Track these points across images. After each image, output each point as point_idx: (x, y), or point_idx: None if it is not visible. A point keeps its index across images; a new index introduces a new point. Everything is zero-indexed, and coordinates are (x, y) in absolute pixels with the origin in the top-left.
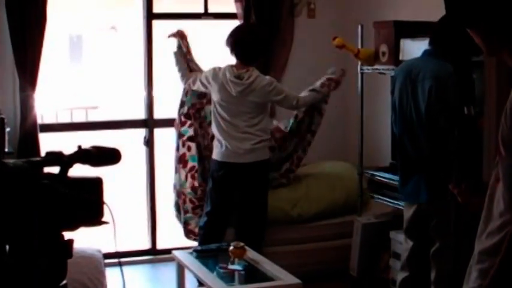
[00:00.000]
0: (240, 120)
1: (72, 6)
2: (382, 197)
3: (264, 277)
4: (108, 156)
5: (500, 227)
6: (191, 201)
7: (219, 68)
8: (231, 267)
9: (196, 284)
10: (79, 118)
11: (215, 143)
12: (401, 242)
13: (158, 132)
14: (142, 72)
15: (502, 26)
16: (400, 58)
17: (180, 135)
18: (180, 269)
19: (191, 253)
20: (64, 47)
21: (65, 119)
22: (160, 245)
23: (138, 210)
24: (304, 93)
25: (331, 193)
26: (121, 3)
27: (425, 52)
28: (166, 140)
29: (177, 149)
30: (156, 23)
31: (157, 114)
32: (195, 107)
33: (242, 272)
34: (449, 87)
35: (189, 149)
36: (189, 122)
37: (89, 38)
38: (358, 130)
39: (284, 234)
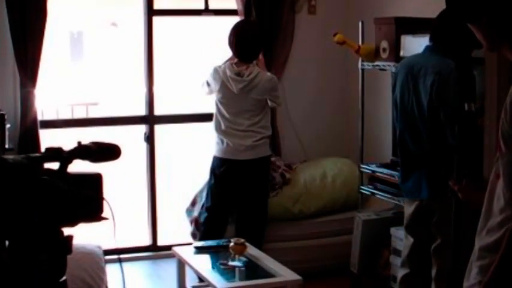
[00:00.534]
0: (242, 119)
1: (73, 2)
2: (382, 193)
3: (264, 273)
4: (108, 152)
5: (501, 223)
6: None
7: (219, 66)
8: (231, 263)
9: (197, 280)
10: (79, 114)
11: (216, 140)
12: (401, 239)
13: (159, 128)
14: (142, 69)
15: (502, 20)
16: (401, 54)
17: None
18: (181, 266)
19: (192, 249)
20: (65, 44)
21: (65, 115)
22: (160, 241)
23: (138, 206)
24: None
25: (332, 189)
26: None
27: (427, 48)
28: (166, 136)
29: None
30: (156, 19)
31: (158, 111)
32: None
33: (242, 269)
34: (450, 83)
35: None
36: None
37: (90, 35)
38: (358, 126)
39: (285, 231)
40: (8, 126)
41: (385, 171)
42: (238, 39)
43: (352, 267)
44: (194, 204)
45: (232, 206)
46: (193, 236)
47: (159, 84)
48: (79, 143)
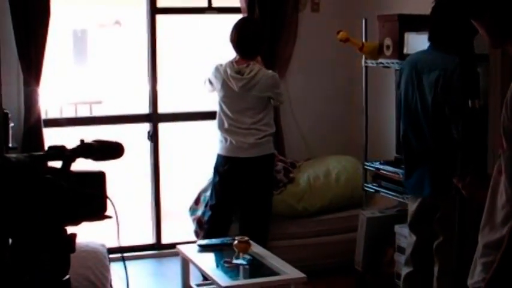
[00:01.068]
0: (244, 117)
1: (76, 0)
2: (386, 191)
3: (268, 271)
4: (111, 150)
5: (504, 220)
6: None
7: (221, 65)
8: (235, 261)
9: (201, 278)
10: (83, 113)
11: (219, 139)
12: (406, 236)
13: (162, 126)
14: (146, 67)
15: (505, 17)
16: (405, 52)
17: None
18: (185, 264)
19: (196, 248)
20: (68, 42)
21: (69, 113)
22: (164, 240)
23: (142, 204)
24: None
25: (336, 187)
26: None
27: (431, 45)
28: (170, 134)
29: None
30: (160, 18)
31: (162, 109)
32: None
33: (247, 267)
34: (454, 80)
35: None
36: None
37: (93, 33)
38: (362, 124)
39: (289, 229)
40: (11, 125)
41: (389, 168)
42: (238, 35)
43: (356, 265)
44: (198, 203)
45: (236, 204)
46: (196, 234)
47: (162, 82)
48: (82, 141)
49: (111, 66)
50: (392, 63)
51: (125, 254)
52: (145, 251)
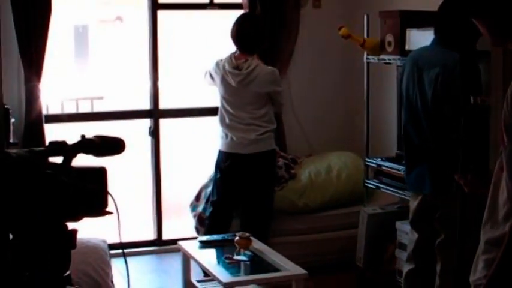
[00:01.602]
0: (244, 113)
1: None
2: (388, 187)
3: (269, 268)
4: (112, 145)
5: (505, 216)
6: None
7: (221, 60)
8: (236, 257)
9: (202, 274)
10: (84, 108)
11: (220, 135)
12: (407, 233)
13: (163, 122)
14: (147, 63)
15: (506, 15)
16: (406, 48)
17: None
18: (186, 260)
19: (197, 244)
20: (69, 38)
21: (70, 109)
22: (165, 236)
23: (143, 200)
24: None
25: (337, 183)
26: None
27: (434, 41)
28: (171, 130)
29: None
30: (161, 13)
31: (163, 105)
32: None
33: (248, 263)
34: (455, 76)
35: None
36: None
37: (95, 29)
38: (363, 120)
39: (290, 225)
40: (12, 120)
41: (391, 165)
42: (238, 30)
43: (357, 261)
44: (199, 199)
45: (238, 200)
46: (197, 230)
47: (164, 78)
48: (83, 136)
49: (113, 62)
50: (394, 59)
51: (126, 250)
52: (146, 247)
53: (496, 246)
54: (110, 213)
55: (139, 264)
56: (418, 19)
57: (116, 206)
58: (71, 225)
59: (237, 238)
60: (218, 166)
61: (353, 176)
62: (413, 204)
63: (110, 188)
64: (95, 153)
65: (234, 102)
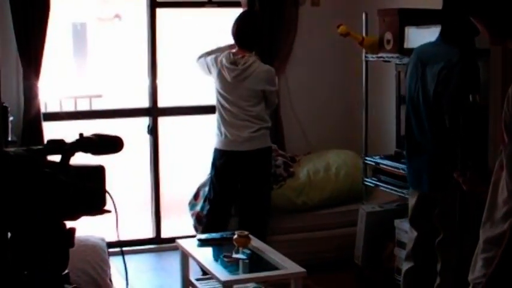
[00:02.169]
0: (238, 109)
1: None
2: (386, 186)
3: (268, 266)
4: (110, 144)
5: (505, 215)
6: None
7: (219, 55)
8: (235, 256)
9: (201, 272)
10: (83, 107)
11: (216, 132)
12: (406, 231)
13: (162, 120)
14: (146, 61)
15: (505, 14)
16: (405, 46)
17: None
18: (184, 258)
19: (195, 242)
20: (68, 36)
21: (68, 107)
22: (164, 234)
23: (142, 198)
24: None
25: (336, 181)
26: None
27: (438, 36)
28: (170, 128)
29: None
30: (160, 11)
31: (161, 103)
32: None
33: (246, 261)
34: (455, 72)
35: None
36: None
37: (93, 27)
38: (362, 118)
39: (288, 223)
40: (11, 118)
41: (389, 163)
42: (238, 26)
43: (356, 259)
44: (197, 198)
45: (234, 198)
46: (195, 229)
47: (162, 76)
48: (81, 135)
49: (111, 60)
50: (393, 57)
51: (125, 248)
52: (145, 245)
53: (495, 245)
54: (108, 211)
55: (138, 263)
56: (417, 17)
57: (114, 204)
58: (69, 224)
59: (235, 236)
60: (214, 164)
61: (352, 174)
62: (411, 201)
63: (109, 186)
64: (93, 151)
65: (229, 97)
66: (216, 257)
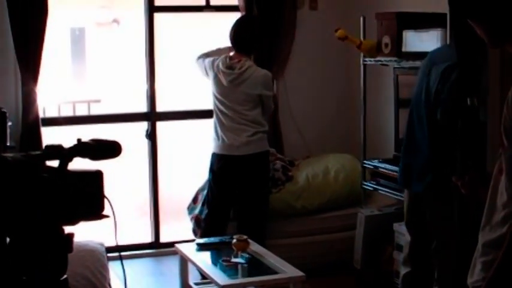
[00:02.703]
0: (234, 113)
1: None
2: (385, 189)
3: (267, 270)
4: (108, 149)
5: (504, 218)
6: None
7: (216, 59)
8: (234, 260)
9: (200, 277)
10: (81, 112)
11: (213, 136)
12: (404, 234)
13: (160, 125)
14: (144, 65)
15: (504, 17)
16: (403, 50)
17: None
18: (183, 263)
19: (194, 246)
20: (66, 41)
21: (67, 112)
22: (163, 239)
23: (140, 203)
24: None
25: (335, 185)
26: None
27: (452, 38)
28: (168, 133)
29: None
30: (157, 16)
31: (160, 107)
32: None
33: (245, 265)
34: (455, 73)
35: None
36: None
37: (91, 31)
38: (360, 122)
39: (287, 227)
40: (9, 124)
41: (388, 166)
42: (235, 30)
43: (355, 263)
44: (196, 202)
45: (233, 202)
46: (194, 233)
47: (160, 80)
48: (79, 140)
49: (110, 65)
50: (391, 61)
51: (124, 253)
52: (144, 250)
53: (494, 249)
54: (107, 216)
55: (136, 267)
56: (415, 21)
57: (112, 209)
58: (67, 229)
59: (234, 241)
60: (211, 168)
61: (350, 177)
62: (405, 204)
63: (107, 191)
64: (91, 156)
65: (225, 101)
66: (215, 262)
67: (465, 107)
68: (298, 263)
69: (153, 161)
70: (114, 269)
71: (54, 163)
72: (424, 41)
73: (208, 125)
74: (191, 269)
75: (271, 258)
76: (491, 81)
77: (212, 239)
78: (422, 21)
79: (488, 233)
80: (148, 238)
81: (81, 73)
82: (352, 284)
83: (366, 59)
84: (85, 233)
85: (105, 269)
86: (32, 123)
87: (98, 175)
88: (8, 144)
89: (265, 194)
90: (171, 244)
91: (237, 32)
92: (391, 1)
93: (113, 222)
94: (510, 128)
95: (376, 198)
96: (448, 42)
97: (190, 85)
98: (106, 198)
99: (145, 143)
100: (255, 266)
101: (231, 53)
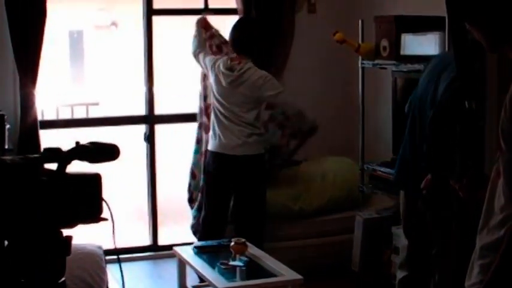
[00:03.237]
0: (232, 114)
1: (72, 2)
2: (383, 192)
3: (265, 273)
4: (106, 152)
5: (502, 222)
6: None
7: (218, 59)
8: (232, 263)
9: (198, 280)
10: (80, 114)
11: (210, 134)
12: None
13: (159, 128)
14: (142, 68)
15: (502, 21)
16: (401, 53)
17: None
18: (181, 266)
19: (192, 249)
20: (64, 43)
21: (65, 115)
22: (161, 241)
23: (139, 206)
24: None
25: (333, 188)
26: None
27: None
28: (167, 136)
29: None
30: (156, 19)
31: (158, 110)
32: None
33: (243, 268)
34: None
35: None
36: None
37: (90, 34)
38: (359, 125)
39: (286, 230)
40: (7, 126)
41: (386, 169)
42: (235, 32)
43: (353, 266)
44: (192, 202)
45: (229, 204)
46: (193, 229)
47: (159, 83)
48: (77, 143)
49: (108, 68)
50: (389, 64)
51: (122, 256)
52: (142, 253)
53: (491, 251)
54: (105, 219)
55: (135, 270)
56: (413, 24)
57: (110, 212)
58: (66, 232)
59: (232, 244)
60: (206, 167)
61: (349, 180)
62: (402, 207)
63: (105, 194)
64: (90, 159)
65: (224, 102)
66: (213, 265)
67: (463, 111)
68: (296, 266)
69: (152, 163)
70: (112, 272)
71: (52, 166)
72: (422, 44)
73: None
74: (189, 272)
75: (270, 261)
76: (489, 85)
77: (210, 242)
78: (421, 24)
79: (486, 236)
80: (146, 241)
81: (80, 76)
82: (350, 287)
83: (364, 62)
84: (83, 235)
85: (103, 272)
86: (30, 126)
87: (96, 178)
88: (6, 147)
89: (262, 196)
90: (169, 247)
91: (237, 34)
92: (389, 4)
93: (111, 225)
94: (508, 131)
95: (375, 201)
96: (446, 45)
97: (188, 88)
98: (104, 201)
99: (143, 146)
100: (253, 269)
101: (233, 55)
